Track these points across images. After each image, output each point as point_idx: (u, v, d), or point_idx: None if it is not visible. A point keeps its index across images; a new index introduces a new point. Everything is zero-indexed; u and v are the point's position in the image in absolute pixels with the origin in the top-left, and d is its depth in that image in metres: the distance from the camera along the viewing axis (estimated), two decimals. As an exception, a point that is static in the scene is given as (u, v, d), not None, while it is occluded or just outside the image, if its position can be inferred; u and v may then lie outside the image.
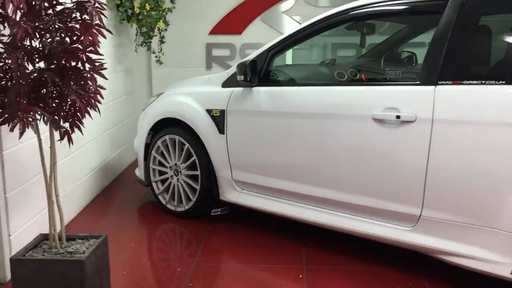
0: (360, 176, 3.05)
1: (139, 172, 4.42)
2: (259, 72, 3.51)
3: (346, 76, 3.51)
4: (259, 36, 5.80)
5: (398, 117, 2.82)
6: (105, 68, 2.53)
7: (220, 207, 3.93)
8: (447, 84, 2.72)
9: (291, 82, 3.66)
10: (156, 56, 5.59)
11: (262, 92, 3.50)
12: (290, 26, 5.77)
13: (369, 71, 3.81)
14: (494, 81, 2.59)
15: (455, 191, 2.71)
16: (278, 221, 3.69)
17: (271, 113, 3.44)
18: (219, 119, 3.71)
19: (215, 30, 5.92)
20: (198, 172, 3.86)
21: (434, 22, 2.87)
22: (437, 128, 2.71)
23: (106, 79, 2.56)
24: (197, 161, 3.86)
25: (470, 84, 2.65)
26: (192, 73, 5.84)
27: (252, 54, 3.61)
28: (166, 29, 5.36)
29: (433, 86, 2.74)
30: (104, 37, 2.48)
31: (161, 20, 5.07)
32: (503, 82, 2.57)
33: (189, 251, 3.50)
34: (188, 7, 5.84)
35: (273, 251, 3.43)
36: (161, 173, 4.18)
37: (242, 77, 3.46)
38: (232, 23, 5.88)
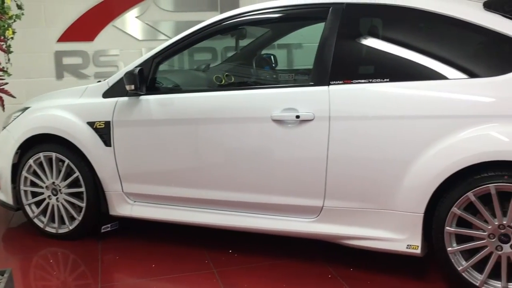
0: (262, 176, 3.17)
1: (5, 196, 4.04)
2: (145, 81, 3.44)
3: (225, 80, 3.64)
4: (113, 43, 5.63)
5: (298, 116, 3.00)
6: None
7: (110, 222, 3.77)
8: (338, 83, 2.97)
9: (178, 89, 3.65)
10: (3, 68, 5.11)
11: (150, 100, 3.45)
12: (145, 31, 5.71)
13: (244, 75, 3.98)
14: (380, 79, 2.90)
15: (353, 180, 2.97)
16: (174, 229, 3.67)
17: (163, 121, 3.41)
18: (104, 131, 3.56)
19: (64, 37, 5.59)
20: (83, 189, 3.66)
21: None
22: (333, 125, 2.95)
23: None
24: (80, 177, 3.66)
25: (359, 83, 2.94)
26: (40, 84, 5.48)
27: (135, 62, 3.53)
28: (12, 38, 4.93)
29: (327, 86, 2.98)
30: None
31: (10, 29, 4.65)
32: (388, 80, 2.89)
33: (82, 274, 3.31)
34: (33, 13, 5.42)
35: (177, 260, 3.41)
36: (35, 194, 3.87)
37: (132, 86, 3.37)
38: (82, 30, 5.61)
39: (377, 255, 3.05)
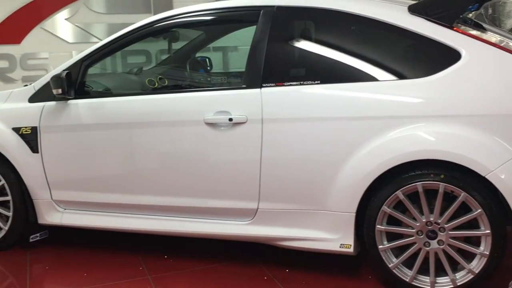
0: (197, 180, 3.14)
1: None
2: (74, 84, 3.34)
3: (158, 84, 3.59)
4: (41, 45, 5.45)
5: (230, 119, 2.99)
6: None
7: (39, 231, 3.63)
8: (271, 86, 2.98)
9: (109, 93, 3.56)
10: None
11: (79, 105, 3.35)
12: (75, 34, 5.55)
13: (180, 78, 3.94)
14: (311, 82, 2.94)
15: (286, 182, 2.98)
16: (108, 236, 3.58)
17: (93, 126, 3.32)
18: (30, 137, 3.42)
19: (-11, 40, 5.37)
20: (9, 198, 3.51)
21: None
22: (266, 127, 2.95)
23: None
24: (6, 185, 3.51)
25: (291, 85, 2.96)
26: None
27: (63, 65, 3.42)
28: None
29: (259, 89, 2.98)
30: None
31: None
32: (319, 82, 2.93)
33: (9, 286, 3.18)
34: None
35: (110, 268, 3.32)
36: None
37: (59, 91, 3.26)
38: (8, 32, 5.40)
39: (313, 255, 3.08)
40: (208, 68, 4.38)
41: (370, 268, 3.15)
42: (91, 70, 3.49)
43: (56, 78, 3.26)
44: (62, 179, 3.44)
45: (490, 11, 7.50)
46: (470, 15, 7.44)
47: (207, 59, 4.38)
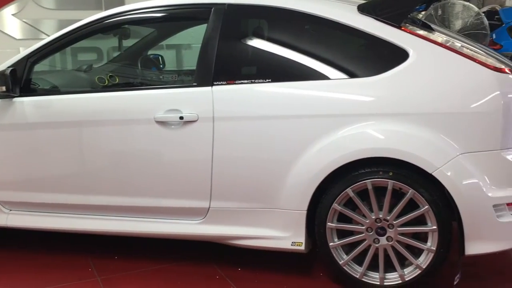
0: (148, 179, 3.09)
1: None
2: (19, 82, 3.23)
3: (108, 81, 3.52)
4: (-13, 41, 5.26)
5: (181, 118, 2.95)
6: None
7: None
8: (222, 84, 2.96)
9: (57, 90, 3.47)
10: None
11: (25, 103, 3.23)
12: (23, 30, 5.39)
13: (131, 76, 3.87)
14: (262, 80, 2.94)
15: (238, 181, 2.97)
16: (56, 237, 3.49)
17: (40, 124, 3.22)
18: (-26, 136, 3.30)
19: None
20: (-50, 199, 3.37)
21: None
22: (217, 125, 2.93)
23: None
24: None
25: (242, 83, 2.95)
26: None
27: (7, 62, 3.30)
28: None
29: (210, 87, 2.96)
30: None
31: None
32: (270, 80, 2.93)
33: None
34: None
35: (60, 270, 3.24)
36: None
37: (3, 88, 3.14)
38: (-49, 27, 5.21)
39: (265, 253, 3.08)
40: (161, 66, 4.32)
41: (321, 265, 3.17)
42: (38, 67, 3.39)
43: (0, 75, 3.15)
44: (7, 179, 3.32)
45: (440, 12, 7.69)
46: (420, 15, 7.63)
47: (159, 57, 4.32)
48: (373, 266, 2.87)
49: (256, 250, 3.04)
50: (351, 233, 2.89)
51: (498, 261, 3.28)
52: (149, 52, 4.29)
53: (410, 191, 2.71)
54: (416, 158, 2.68)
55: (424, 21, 3.77)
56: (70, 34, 3.28)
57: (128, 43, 4.30)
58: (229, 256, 3.29)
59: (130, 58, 4.14)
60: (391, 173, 2.73)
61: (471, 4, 7.82)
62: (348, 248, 2.90)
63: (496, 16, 8.44)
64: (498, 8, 9.58)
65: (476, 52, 2.84)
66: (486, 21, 7.34)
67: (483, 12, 7.99)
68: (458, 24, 7.44)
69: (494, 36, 7.22)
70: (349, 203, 2.84)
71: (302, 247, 2.92)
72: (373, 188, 2.77)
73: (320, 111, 2.82)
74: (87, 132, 3.16)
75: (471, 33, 7.28)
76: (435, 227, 2.72)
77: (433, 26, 3.38)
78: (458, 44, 2.88)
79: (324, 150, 2.80)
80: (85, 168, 3.20)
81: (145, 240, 3.31)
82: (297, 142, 2.85)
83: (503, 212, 2.71)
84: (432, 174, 2.67)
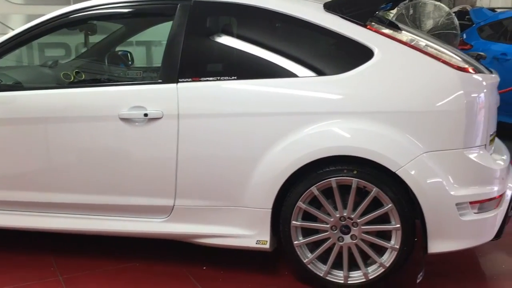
0: (113, 176, 3.04)
1: None
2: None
3: (74, 77, 3.46)
4: None
5: (146, 115, 2.91)
6: None
7: None
8: (187, 81, 2.93)
9: (20, 86, 3.39)
10: None
11: (-15, 98, 3.17)
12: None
13: (97, 72, 3.81)
14: (228, 77, 2.91)
15: (203, 179, 2.94)
16: (18, 235, 3.41)
17: (2, 121, 3.14)
18: None
19: None
20: None
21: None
22: (183, 123, 2.90)
23: None
24: None
25: (208, 80, 2.92)
26: None
27: (-31, 57, 3.23)
28: None
29: (175, 84, 2.93)
30: None
31: None
32: (236, 77, 2.91)
33: None
34: None
35: (18, 269, 3.17)
36: None
37: (-35, 83, 3.08)
38: None
39: (232, 252, 3.06)
40: (129, 62, 4.26)
41: (287, 263, 3.16)
42: (1, 62, 3.32)
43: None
44: (-33, 176, 3.25)
45: (411, 11, 7.74)
46: (391, 15, 7.63)
47: (128, 54, 4.26)
48: (338, 265, 2.87)
49: (223, 249, 3.01)
50: (316, 231, 2.89)
51: (462, 259, 3.31)
52: (118, 49, 4.22)
53: (374, 189, 2.72)
54: (380, 156, 2.69)
55: (392, 20, 3.79)
56: (34, 29, 3.21)
57: (97, 39, 4.24)
58: (196, 255, 3.26)
59: (97, 54, 4.07)
60: (355, 172, 2.73)
61: (442, 4, 7.90)
62: (313, 246, 2.90)
63: (467, 16, 8.54)
64: (468, 8, 9.70)
65: (440, 52, 2.86)
66: (456, 21, 7.41)
67: (454, 12, 8.08)
68: (429, 23, 7.50)
69: (464, 36, 7.30)
70: (315, 202, 2.84)
71: (267, 246, 2.90)
72: (338, 187, 2.77)
73: (285, 109, 2.81)
74: (51, 129, 3.10)
75: (442, 33, 7.35)
76: (398, 225, 2.73)
77: (401, 25, 3.39)
78: (423, 43, 2.90)
79: (289, 148, 2.79)
80: (48, 165, 3.14)
81: (111, 238, 3.25)
82: (262, 140, 2.83)
83: (466, 211, 2.73)
84: (396, 172, 2.68)
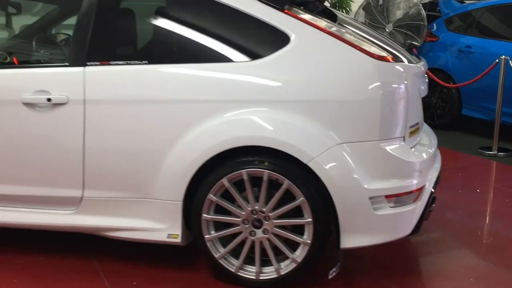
0: (17, 166, 2.88)
1: None
2: None
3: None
4: None
5: (49, 100, 2.75)
6: None
7: None
8: (95, 65, 2.77)
9: None
10: None
11: None
12: None
13: (20, 53, 3.59)
14: (138, 61, 2.76)
15: (112, 169, 2.79)
16: None
17: None
18: None
19: None
20: None
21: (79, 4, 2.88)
22: (89, 109, 2.74)
23: None
24: None
25: (117, 64, 2.76)
26: None
27: None
28: None
29: (82, 68, 2.76)
30: None
31: None
32: (146, 62, 2.75)
33: None
34: None
35: None
36: None
37: None
38: None
39: (147, 246, 2.92)
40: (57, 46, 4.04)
41: (204, 258, 3.03)
42: None
43: None
44: None
45: (380, 1, 7.59)
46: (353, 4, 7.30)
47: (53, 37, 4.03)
48: (251, 260, 2.75)
49: (140, 243, 2.87)
50: (231, 225, 2.76)
51: (381, 253, 3.21)
52: (54, 31, 4.01)
53: (286, 182, 2.59)
54: (291, 147, 2.57)
55: (328, 8, 3.67)
56: None
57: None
58: (110, 249, 3.10)
59: (18, 36, 3.86)
60: (266, 163, 2.61)
61: (411, -5, 7.71)
62: (226, 241, 2.77)
63: (438, 8, 8.41)
64: (439, -1, 9.56)
65: (360, 40, 2.75)
66: (423, 12, 7.27)
67: (426, 3, 7.94)
68: (398, 14, 7.35)
69: (435, 27, 7.17)
70: (228, 194, 2.71)
71: (179, 240, 2.77)
72: (252, 179, 2.64)
73: (193, 95, 2.67)
74: None
75: (411, 23, 7.23)
76: (310, 219, 2.62)
77: (338, 13, 3.25)
78: (343, 30, 2.78)
79: (198, 138, 2.65)
80: None
81: (19, 231, 3.08)
82: (170, 129, 2.69)
83: (380, 205, 2.63)
84: (307, 164, 2.56)
